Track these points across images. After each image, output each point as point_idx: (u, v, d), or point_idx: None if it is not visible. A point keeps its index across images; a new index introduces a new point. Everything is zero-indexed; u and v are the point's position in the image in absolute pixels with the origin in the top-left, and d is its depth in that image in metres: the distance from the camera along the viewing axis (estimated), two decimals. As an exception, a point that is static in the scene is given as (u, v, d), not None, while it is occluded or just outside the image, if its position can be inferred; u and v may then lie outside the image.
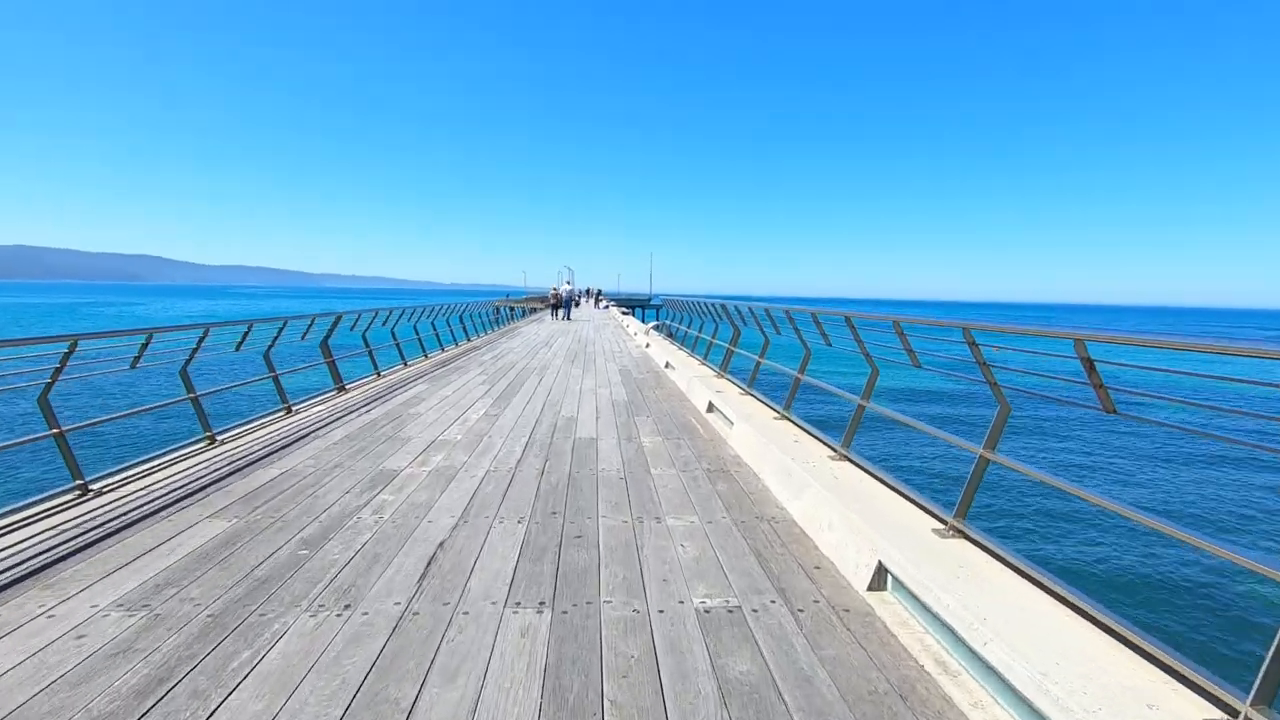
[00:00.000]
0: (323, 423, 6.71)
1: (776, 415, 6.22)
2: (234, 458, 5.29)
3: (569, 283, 35.03)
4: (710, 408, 7.53)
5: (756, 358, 7.59)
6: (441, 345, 14.65)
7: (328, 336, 8.69)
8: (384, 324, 11.01)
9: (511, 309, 33.86)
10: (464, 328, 17.35)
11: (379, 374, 10.23)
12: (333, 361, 8.61)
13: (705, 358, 10.77)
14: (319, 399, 8.02)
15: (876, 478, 4.09)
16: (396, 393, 8.68)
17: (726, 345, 9.28)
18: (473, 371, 10.97)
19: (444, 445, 5.84)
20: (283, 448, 5.65)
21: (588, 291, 50.92)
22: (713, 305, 10.69)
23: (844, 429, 4.72)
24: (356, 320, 9.67)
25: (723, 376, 9.11)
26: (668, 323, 17.39)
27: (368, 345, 10.18)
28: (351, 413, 7.26)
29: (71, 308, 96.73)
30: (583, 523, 3.96)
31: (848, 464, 4.48)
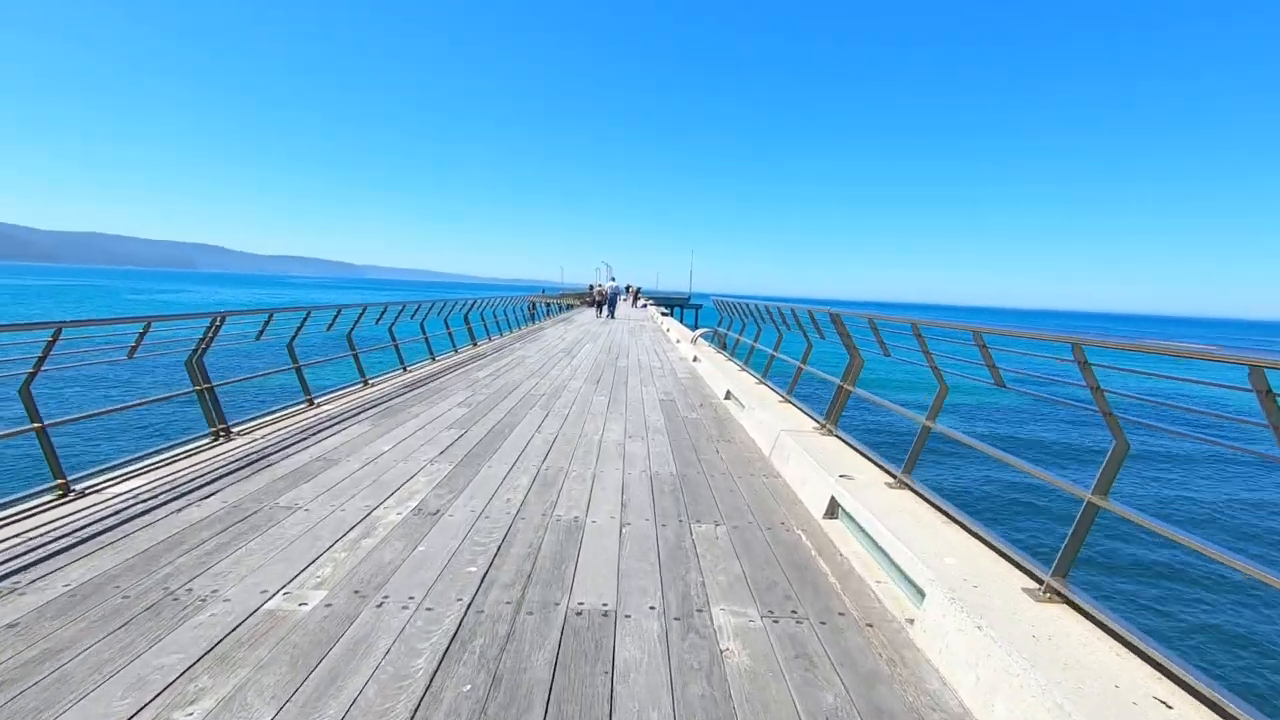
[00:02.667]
0: (84, 535, 3.44)
1: (1039, 591, 2.68)
2: None
3: (613, 279, 32.93)
4: (834, 510, 4.04)
5: (923, 420, 4.04)
6: (432, 353, 11.43)
7: (200, 351, 5.47)
8: (328, 328, 7.78)
9: (547, 305, 30.99)
10: (469, 330, 14.13)
11: (311, 401, 7.00)
12: (207, 389, 5.38)
13: (789, 393, 7.22)
14: (152, 461, 4.78)
15: None
16: (305, 444, 5.40)
17: (838, 381, 5.73)
18: (451, 399, 7.66)
19: (260, 636, 2.50)
20: None
21: (626, 289, 47.75)
22: (796, 313, 7.18)
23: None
24: (265, 324, 6.41)
25: (829, 431, 5.58)
26: (720, 330, 13.88)
27: (296, 360, 6.96)
28: (178, 498, 3.98)
29: (107, 290, 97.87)
30: None
31: None
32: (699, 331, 14.42)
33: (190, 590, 2.85)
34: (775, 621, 2.80)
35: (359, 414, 6.64)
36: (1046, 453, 17.56)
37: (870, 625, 2.81)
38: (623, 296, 43.77)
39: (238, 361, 22.75)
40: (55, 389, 18.61)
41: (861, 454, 4.85)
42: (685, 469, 5.12)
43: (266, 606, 2.74)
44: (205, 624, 2.59)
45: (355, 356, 8.36)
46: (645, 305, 45.29)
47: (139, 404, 5.29)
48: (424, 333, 11.25)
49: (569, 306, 38.06)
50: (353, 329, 8.39)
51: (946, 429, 3.96)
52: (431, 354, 11.39)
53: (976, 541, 3.20)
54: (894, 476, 4.20)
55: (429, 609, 2.78)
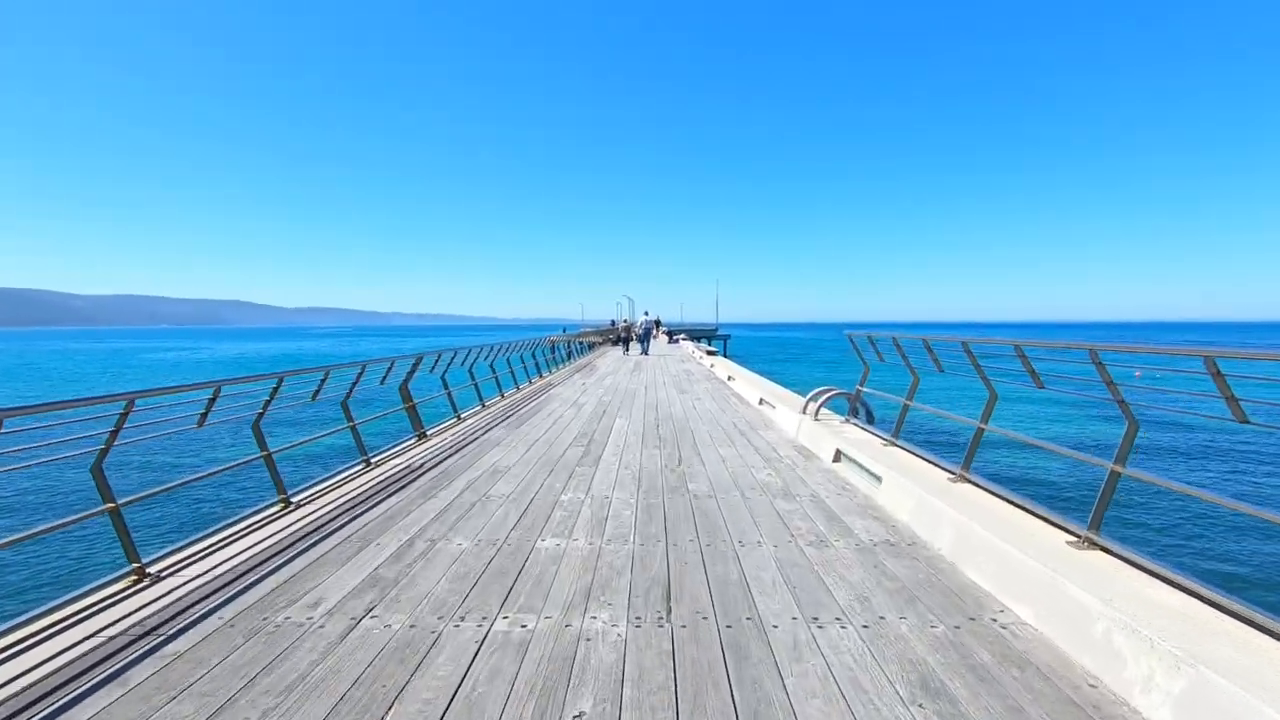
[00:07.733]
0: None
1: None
2: None
3: (646, 313, 28.11)
4: None
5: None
6: (278, 497, 5.25)
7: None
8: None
9: (568, 345, 25.09)
10: (409, 409, 7.97)
11: None
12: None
13: None
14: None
15: None
16: None
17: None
18: None
19: None
20: None
21: (657, 323, 41.63)
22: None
23: None
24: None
25: None
26: (865, 391, 7.57)
27: None
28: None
29: (126, 352, 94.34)
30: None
31: None
32: (822, 395, 8.10)
33: None
34: None
35: None
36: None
37: None
38: (658, 331, 38.06)
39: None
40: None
41: None
42: None
43: None
44: None
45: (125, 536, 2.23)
46: (679, 340, 39.08)
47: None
48: (318, 415, 5.11)
49: (591, 346, 32.07)
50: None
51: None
52: (284, 496, 5.18)
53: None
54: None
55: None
